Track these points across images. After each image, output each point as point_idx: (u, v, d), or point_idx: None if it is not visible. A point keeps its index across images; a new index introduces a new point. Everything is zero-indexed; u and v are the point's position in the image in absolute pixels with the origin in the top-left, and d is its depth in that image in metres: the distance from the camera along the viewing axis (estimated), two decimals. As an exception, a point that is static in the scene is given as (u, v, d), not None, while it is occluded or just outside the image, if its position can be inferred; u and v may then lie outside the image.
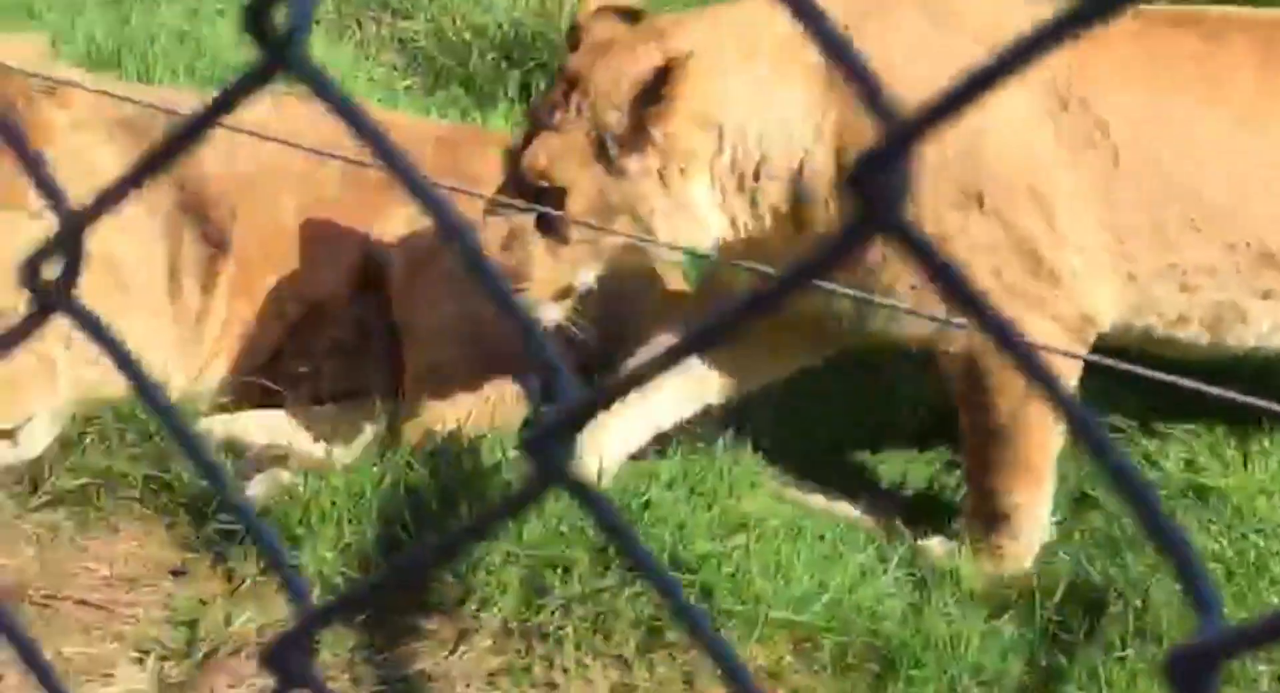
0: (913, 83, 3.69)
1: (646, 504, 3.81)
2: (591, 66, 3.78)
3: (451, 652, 3.60)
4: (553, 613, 3.61)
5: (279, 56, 0.72)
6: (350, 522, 3.77)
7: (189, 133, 0.80)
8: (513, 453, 3.88)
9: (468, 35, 5.60)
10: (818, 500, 4.16)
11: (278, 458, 4.04)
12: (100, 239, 4.23)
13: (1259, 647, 0.64)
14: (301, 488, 3.84)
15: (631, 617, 3.61)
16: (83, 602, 3.73)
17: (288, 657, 0.70)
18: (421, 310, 4.28)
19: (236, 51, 5.47)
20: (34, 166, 0.81)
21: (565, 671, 3.57)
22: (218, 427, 4.13)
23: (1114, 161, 3.83)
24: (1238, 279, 3.92)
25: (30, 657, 0.99)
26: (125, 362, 0.81)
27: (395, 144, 0.76)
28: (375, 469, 3.89)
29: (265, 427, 4.12)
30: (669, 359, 0.73)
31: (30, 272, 0.81)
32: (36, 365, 3.92)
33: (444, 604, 3.67)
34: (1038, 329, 3.74)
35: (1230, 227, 3.88)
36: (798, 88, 3.79)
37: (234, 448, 4.07)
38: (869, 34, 3.71)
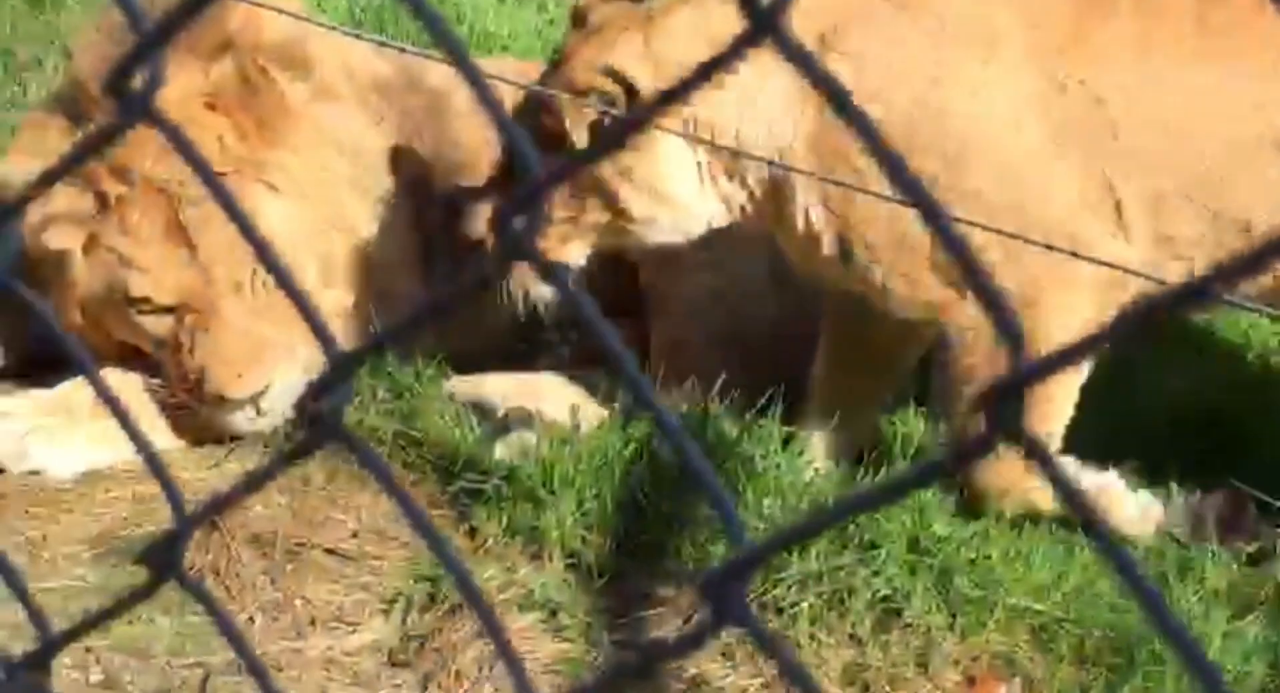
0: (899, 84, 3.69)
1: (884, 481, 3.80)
2: (576, 51, 3.81)
3: (686, 620, 3.64)
4: (789, 588, 3.62)
5: (766, 26, 0.74)
6: (592, 488, 3.82)
7: (666, 101, 0.82)
8: (759, 425, 3.92)
9: None
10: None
11: (523, 421, 4.11)
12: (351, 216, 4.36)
13: None
14: (545, 452, 3.89)
15: (868, 596, 3.61)
16: (331, 552, 3.84)
17: (726, 591, 0.73)
18: (673, 281, 4.33)
19: (495, 17, 5.57)
20: (509, 133, 0.84)
21: (799, 646, 3.58)
22: (465, 387, 4.20)
23: (1113, 135, 3.75)
24: (1219, 251, 3.81)
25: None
26: (597, 321, 0.83)
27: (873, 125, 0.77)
28: (618, 437, 3.93)
29: (512, 390, 4.18)
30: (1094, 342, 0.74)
31: (502, 225, 0.84)
32: (276, 336, 4.03)
33: (681, 574, 3.70)
34: (1061, 303, 3.68)
35: (1220, 198, 3.77)
36: (779, 82, 3.74)
37: (480, 409, 4.14)
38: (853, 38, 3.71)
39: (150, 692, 3.46)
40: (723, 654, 3.58)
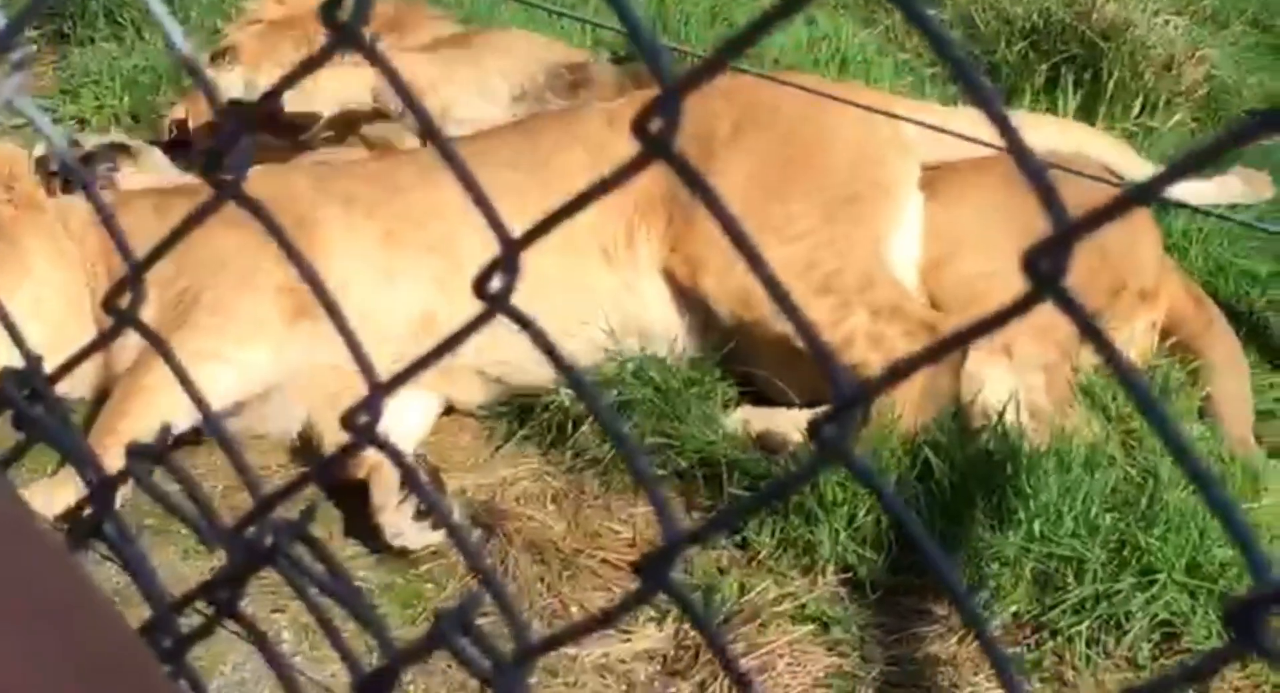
0: None
1: (1162, 505, 3.75)
2: None
3: (961, 640, 3.63)
4: (1064, 611, 3.60)
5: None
6: (865, 502, 3.82)
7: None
8: (1026, 448, 3.88)
9: (996, 24, 5.63)
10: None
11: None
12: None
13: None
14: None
15: (1146, 621, 3.57)
16: (606, 561, 3.90)
17: (1253, 619, 0.75)
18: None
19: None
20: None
21: (1075, 669, 3.56)
22: (758, 420, 4.19)
23: None
24: None
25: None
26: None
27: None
28: (891, 453, 3.92)
29: (799, 424, 4.17)
30: None
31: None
32: None
33: (954, 592, 3.69)
34: None
35: None
36: None
37: (766, 442, 4.14)
38: None
39: (438, 693, 3.54)
40: (997, 675, 3.55)
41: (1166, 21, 5.91)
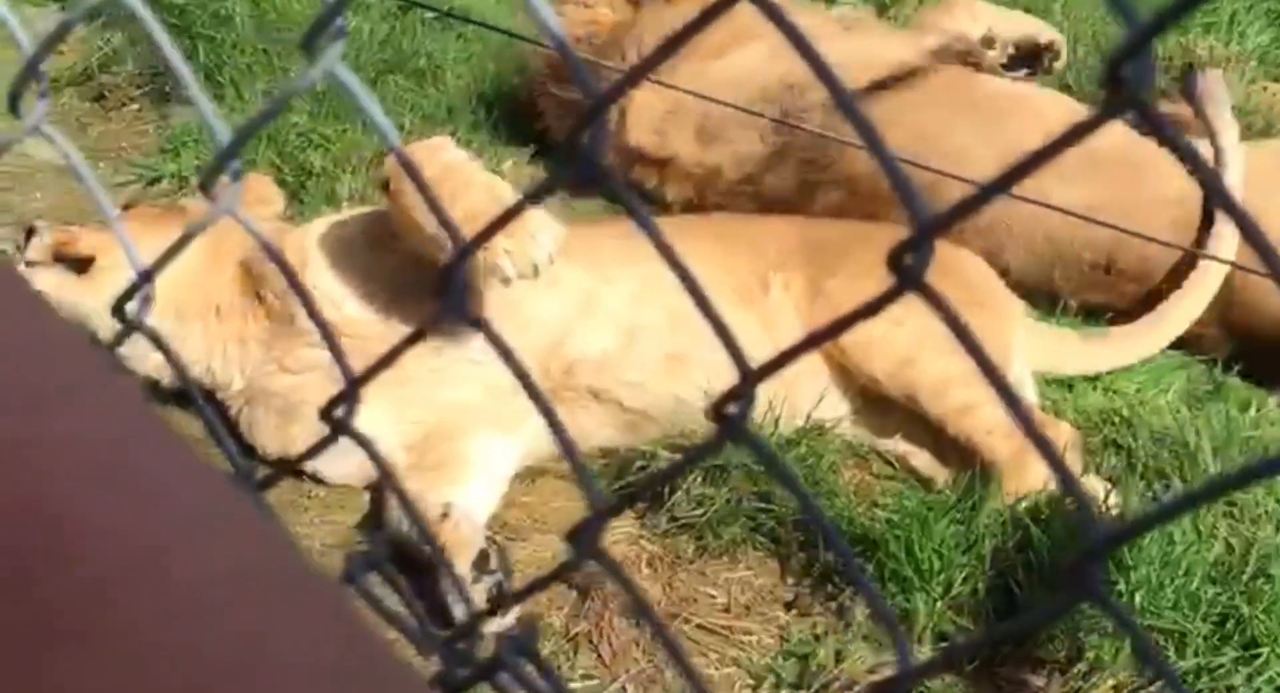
0: None
1: (1265, 578, 3.70)
2: None
3: (1060, 710, 3.60)
4: (1166, 686, 3.56)
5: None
6: (960, 571, 3.80)
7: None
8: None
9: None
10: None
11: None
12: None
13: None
14: (911, 531, 3.89)
15: (1250, 695, 3.53)
16: (702, 626, 3.90)
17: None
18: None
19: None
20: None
21: (1177, 743, 3.52)
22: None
23: None
24: None
25: None
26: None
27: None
28: (988, 518, 3.90)
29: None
30: None
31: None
32: None
33: (1053, 663, 3.67)
34: None
35: None
36: None
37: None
38: None
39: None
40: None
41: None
